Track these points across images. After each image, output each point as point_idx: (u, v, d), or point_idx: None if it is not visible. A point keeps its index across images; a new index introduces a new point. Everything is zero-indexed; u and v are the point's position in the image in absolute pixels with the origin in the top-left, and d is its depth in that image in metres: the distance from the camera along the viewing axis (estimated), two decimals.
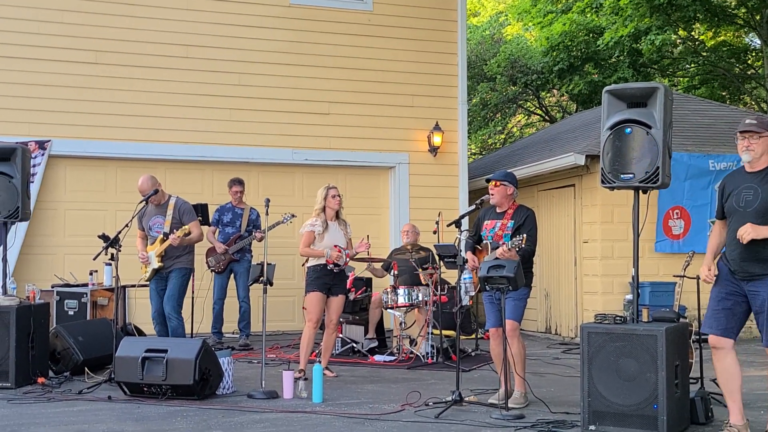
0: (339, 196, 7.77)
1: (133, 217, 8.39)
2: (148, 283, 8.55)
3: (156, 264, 8.34)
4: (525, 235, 6.36)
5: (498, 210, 6.73)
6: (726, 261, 5.34)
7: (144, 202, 8.30)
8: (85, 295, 9.21)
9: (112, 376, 7.05)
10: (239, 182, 10.40)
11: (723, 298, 5.30)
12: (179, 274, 8.42)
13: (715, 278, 5.36)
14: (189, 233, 8.39)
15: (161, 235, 8.36)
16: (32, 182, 10.45)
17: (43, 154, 10.84)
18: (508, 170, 7.41)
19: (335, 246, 7.65)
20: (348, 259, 7.84)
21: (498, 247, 6.45)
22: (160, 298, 8.47)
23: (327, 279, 7.62)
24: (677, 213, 11.17)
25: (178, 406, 6.41)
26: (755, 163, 5.26)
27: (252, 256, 10.34)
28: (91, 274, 9.54)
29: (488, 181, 6.76)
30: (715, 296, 5.34)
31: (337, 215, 7.81)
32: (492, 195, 6.69)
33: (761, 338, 5.20)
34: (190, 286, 9.80)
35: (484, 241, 6.71)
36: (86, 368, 7.59)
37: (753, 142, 5.23)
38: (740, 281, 5.26)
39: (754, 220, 5.13)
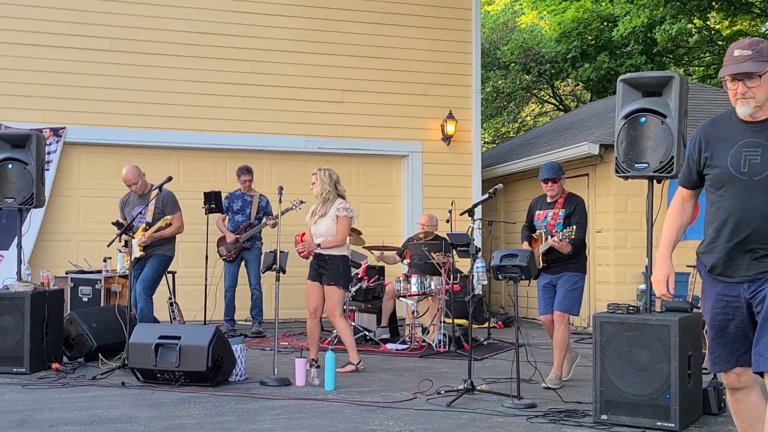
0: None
1: (147, 205, 8.44)
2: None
3: (137, 253, 8.38)
4: (574, 227, 6.65)
5: (549, 200, 6.99)
6: (708, 263, 3.85)
7: (158, 189, 8.33)
8: (99, 282, 9.26)
9: (126, 362, 7.10)
10: (248, 170, 10.40)
11: (721, 324, 3.82)
12: (157, 260, 8.49)
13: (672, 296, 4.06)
14: (169, 224, 8.40)
15: (143, 225, 8.41)
16: (47, 169, 10.53)
17: (58, 141, 10.88)
18: (553, 161, 7.55)
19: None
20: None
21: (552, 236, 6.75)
22: None
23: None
24: None
25: (191, 392, 6.45)
26: (758, 112, 3.74)
27: (262, 244, 10.36)
28: (105, 260, 9.59)
29: (545, 181, 6.93)
30: (710, 322, 3.87)
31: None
32: (551, 189, 6.92)
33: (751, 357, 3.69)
34: (201, 274, 9.85)
35: (538, 231, 6.95)
36: (100, 354, 7.64)
37: (752, 86, 3.68)
38: (736, 285, 3.76)
39: (762, 193, 3.66)
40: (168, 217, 8.37)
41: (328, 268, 7.44)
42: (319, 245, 7.42)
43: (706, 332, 6.67)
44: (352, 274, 7.82)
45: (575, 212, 6.83)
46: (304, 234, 7.75)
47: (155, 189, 8.40)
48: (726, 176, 3.77)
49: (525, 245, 7.03)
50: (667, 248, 4.04)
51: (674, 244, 4.07)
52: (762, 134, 3.73)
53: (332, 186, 7.48)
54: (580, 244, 6.80)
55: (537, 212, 7.07)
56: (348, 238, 7.61)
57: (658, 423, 5.25)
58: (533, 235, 7.03)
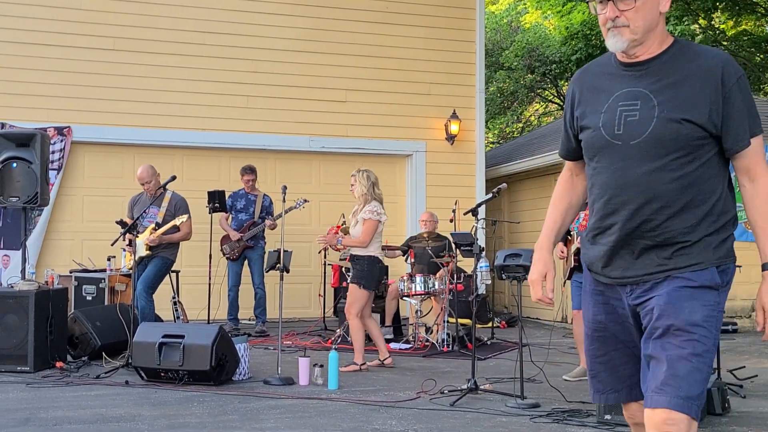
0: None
1: (150, 205, 8.45)
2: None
3: (143, 252, 8.39)
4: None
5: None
6: (586, 257, 2.95)
7: (162, 188, 8.36)
8: (102, 281, 9.27)
9: (130, 361, 7.10)
10: (251, 170, 10.41)
11: (605, 336, 2.92)
12: (160, 261, 8.50)
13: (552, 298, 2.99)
14: (183, 222, 8.44)
15: (153, 225, 8.43)
16: (54, 169, 10.55)
17: (62, 140, 10.89)
18: None
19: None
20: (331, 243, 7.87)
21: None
22: None
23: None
24: None
25: (195, 391, 6.45)
26: (637, 48, 2.76)
27: (265, 243, 10.37)
28: (109, 259, 9.60)
29: None
30: (590, 333, 2.96)
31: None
32: None
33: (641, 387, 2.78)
34: (205, 273, 9.86)
35: (572, 232, 7.06)
36: (104, 353, 7.65)
37: (625, 9, 2.72)
38: (617, 288, 2.85)
39: (641, 162, 2.70)
40: (183, 216, 8.40)
41: (354, 267, 7.61)
42: (339, 242, 7.65)
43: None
44: (383, 278, 7.76)
45: None
46: (339, 227, 7.94)
47: (159, 189, 8.43)
48: (597, 141, 2.79)
49: (560, 245, 7.15)
50: (547, 237, 3.02)
51: (559, 231, 3.06)
52: (643, 81, 2.73)
53: (370, 188, 7.57)
54: None
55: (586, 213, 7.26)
56: (380, 241, 7.61)
57: None
58: (568, 236, 7.14)
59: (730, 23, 22.21)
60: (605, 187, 2.79)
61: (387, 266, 7.70)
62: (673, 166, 2.69)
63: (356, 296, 7.47)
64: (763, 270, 2.72)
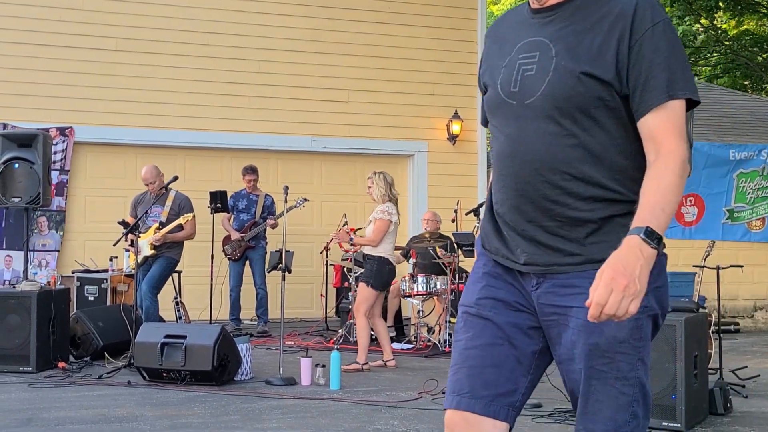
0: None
1: (152, 204, 8.46)
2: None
3: (148, 251, 8.40)
4: None
5: None
6: (482, 232, 2.47)
7: (164, 188, 8.37)
8: (105, 281, 9.27)
9: (132, 361, 7.11)
10: (252, 170, 10.41)
11: (477, 326, 2.35)
12: (164, 261, 8.51)
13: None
14: (189, 221, 8.46)
15: (156, 224, 8.43)
16: (56, 169, 10.57)
17: (64, 141, 10.90)
18: None
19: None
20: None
21: None
22: None
23: None
24: (691, 200, 11.10)
25: (197, 391, 6.46)
26: None
27: (267, 243, 10.37)
28: (111, 260, 9.61)
29: None
30: (464, 319, 2.40)
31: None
32: None
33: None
34: (207, 273, 9.86)
35: None
36: (106, 353, 7.65)
37: None
38: (517, 276, 2.35)
39: (536, 125, 2.24)
40: (188, 215, 8.41)
41: (364, 266, 7.68)
42: (351, 240, 7.80)
43: (712, 331, 6.72)
44: (392, 279, 7.79)
45: None
46: (353, 229, 8.06)
47: (161, 189, 8.45)
48: (494, 101, 2.36)
49: None
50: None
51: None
52: (547, 28, 2.29)
53: (387, 189, 7.62)
54: None
55: None
56: (391, 242, 7.62)
57: (664, 423, 5.24)
58: None
59: (732, 23, 22.20)
60: (499, 155, 2.34)
61: (395, 268, 7.71)
62: (573, 131, 2.20)
63: (364, 295, 7.48)
64: (628, 235, 2.04)
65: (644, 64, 2.16)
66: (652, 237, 2.01)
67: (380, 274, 7.49)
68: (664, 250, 2.16)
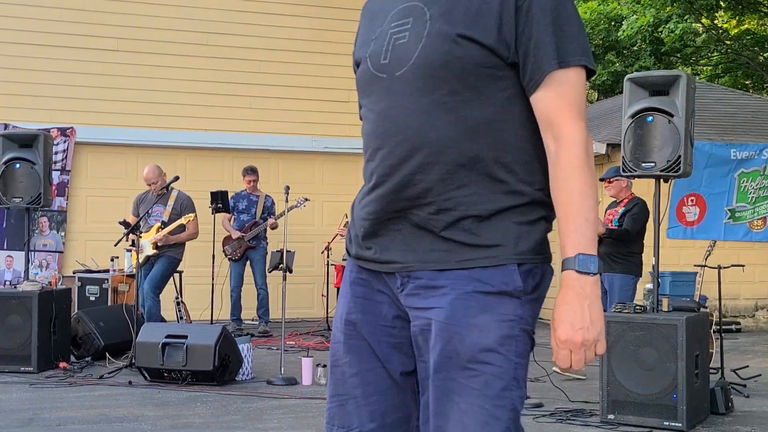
0: None
1: (154, 204, 8.46)
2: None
3: (150, 251, 8.40)
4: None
5: (617, 201, 7.44)
6: (351, 234, 2.10)
7: (165, 188, 8.38)
8: (106, 281, 9.27)
9: (133, 361, 7.11)
10: (252, 171, 10.41)
11: (350, 350, 2.03)
12: (166, 261, 8.51)
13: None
14: (191, 221, 8.46)
15: (158, 224, 8.43)
16: (56, 170, 10.57)
17: (65, 141, 10.90)
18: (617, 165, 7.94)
19: None
20: None
21: None
22: None
23: None
24: (692, 200, 11.09)
25: (198, 391, 6.45)
26: None
27: (267, 243, 10.37)
28: (112, 260, 9.61)
29: (601, 180, 7.49)
30: (335, 343, 2.08)
31: None
32: (607, 189, 7.48)
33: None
34: (208, 273, 9.86)
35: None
36: (107, 353, 7.65)
37: None
38: (384, 278, 2.00)
39: (407, 99, 1.91)
40: (190, 215, 8.41)
41: None
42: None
43: (713, 331, 6.72)
44: None
45: (632, 210, 7.18)
46: None
47: (163, 188, 8.45)
48: (363, 77, 2.08)
49: None
50: None
51: None
52: None
53: None
54: (619, 237, 7.06)
55: (606, 212, 7.52)
56: None
57: (665, 423, 5.24)
58: None
59: (733, 22, 22.19)
60: (369, 136, 1.99)
61: None
62: (451, 105, 1.84)
63: None
64: (563, 269, 1.79)
65: (531, 28, 1.83)
66: (587, 264, 1.76)
67: None
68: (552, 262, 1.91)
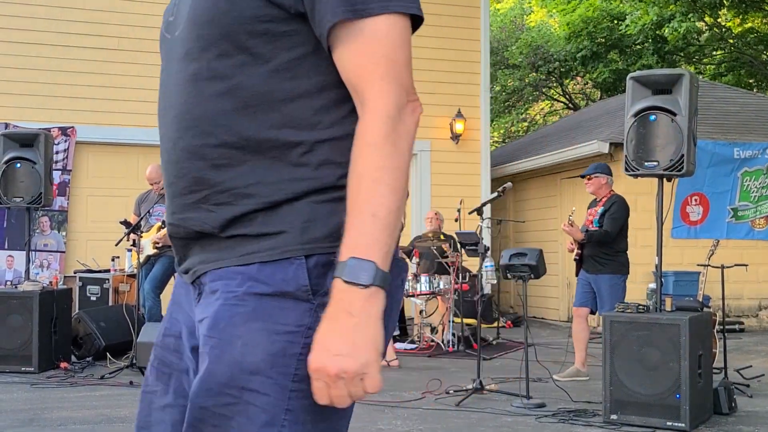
0: None
1: (155, 203, 8.44)
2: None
3: (150, 250, 8.38)
4: (573, 209, 7.29)
5: (597, 199, 7.34)
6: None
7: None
8: (107, 281, 9.26)
9: (134, 361, 7.09)
10: None
11: (159, 375, 1.64)
12: (167, 260, 8.49)
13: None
14: None
15: (159, 223, 8.42)
16: (57, 169, 10.55)
17: (66, 141, 10.89)
18: (600, 162, 7.97)
19: None
20: None
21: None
22: None
23: None
24: (696, 199, 11.06)
25: None
26: None
27: None
28: (113, 260, 9.59)
29: (582, 177, 7.43)
30: (150, 376, 1.69)
31: None
32: (587, 186, 7.37)
33: None
34: None
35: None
36: (108, 353, 7.64)
37: None
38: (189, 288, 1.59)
39: (180, 65, 1.52)
40: None
41: None
42: None
43: (716, 331, 6.69)
44: None
45: (611, 209, 7.07)
46: None
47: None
48: (160, 40, 1.72)
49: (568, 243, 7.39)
50: None
51: None
52: None
53: None
54: (599, 240, 6.97)
55: (588, 211, 7.43)
56: None
57: (668, 423, 5.22)
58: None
59: (737, 21, 22.13)
60: (159, 105, 1.64)
61: None
62: (220, 72, 1.46)
63: None
64: (334, 276, 1.37)
65: None
66: (357, 272, 1.32)
67: None
68: (399, 277, 1.48)
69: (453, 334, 8.86)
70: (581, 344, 7.16)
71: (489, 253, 8.48)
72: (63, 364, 7.35)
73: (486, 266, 7.22)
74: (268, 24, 1.42)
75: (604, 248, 6.99)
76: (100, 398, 6.19)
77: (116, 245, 8.20)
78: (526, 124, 26.89)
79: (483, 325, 9.95)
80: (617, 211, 7.04)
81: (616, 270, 6.97)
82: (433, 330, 9.16)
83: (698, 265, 7.82)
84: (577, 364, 7.13)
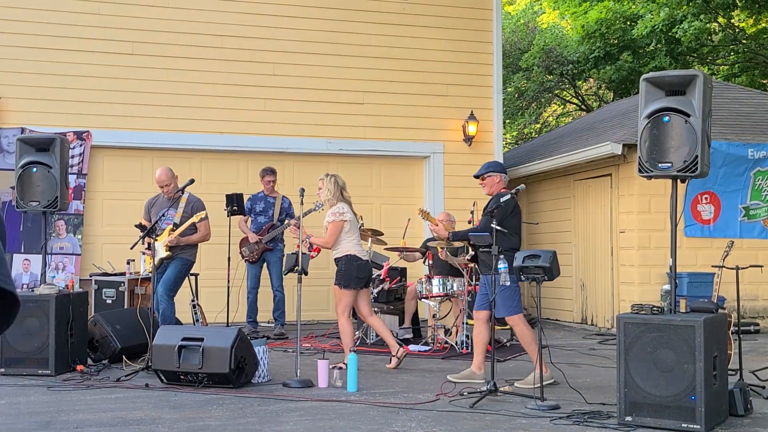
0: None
1: (169, 207, 8.48)
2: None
3: (163, 253, 8.40)
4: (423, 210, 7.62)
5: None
6: None
7: (181, 191, 8.39)
8: (122, 284, 9.31)
9: (149, 364, 7.13)
10: (272, 171, 10.43)
11: None
12: (180, 263, 8.51)
13: None
14: (195, 230, 8.45)
15: (170, 226, 8.45)
16: (73, 173, 10.62)
17: (81, 145, 10.96)
18: (491, 161, 7.98)
19: None
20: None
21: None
22: None
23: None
24: (706, 198, 11.00)
25: (214, 394, 6.46)
26: None
27: (284, 246, 10.38)
28: (128, 263, 9.64)
29: (476, 177, 7.42)
30: None
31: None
32: (483, 188, 7.40)
33: None
34: (224, 276, 9.88)
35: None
36: (124, 356, 7.68)
37: None
38: None
39: None
40: (201, 213, 8.41)
41: (336, 269, 7.66)
42: (309, 238, 7.67)
43: (731, 332, 6.66)
44: (365, 275, 7.69)
45: (490, 205, 7.03)
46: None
47: (178, 191, 8.45)
48: None
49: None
50: None
51: None
52: None
53: (336, 192, 7.66)
54: (464, 238, 7.21)
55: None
56: (353, 238, 7.63)
57: (683, 425, 5.20)
58: None
59: (750, 21, 22.02)
60: None
61: (367, 261, 7.71)
62: None
63: (337, 296, 7.60)
64: None
65: None
66: None
67: (348, 272, 7.52)
68: None
69: (467, 336, 8.86)
70: (479, 347, 7.06)
71: (502, 255, 8.46)
72: (79, 367, 7.40)
73: (499, 268, 7.18)
74: None
75: (487, 248, 6.78)
76: (116, 401, 6.23)
77: (131, 248, 8.24)
78: (538, 125, 26.84)
79: (497, 327, 9.94)
80: (499, 207, 6.79)
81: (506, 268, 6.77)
82: (447, 332, 9.16)
83: (713, 266, 7.79)
84: (473, 367, 7.06)
